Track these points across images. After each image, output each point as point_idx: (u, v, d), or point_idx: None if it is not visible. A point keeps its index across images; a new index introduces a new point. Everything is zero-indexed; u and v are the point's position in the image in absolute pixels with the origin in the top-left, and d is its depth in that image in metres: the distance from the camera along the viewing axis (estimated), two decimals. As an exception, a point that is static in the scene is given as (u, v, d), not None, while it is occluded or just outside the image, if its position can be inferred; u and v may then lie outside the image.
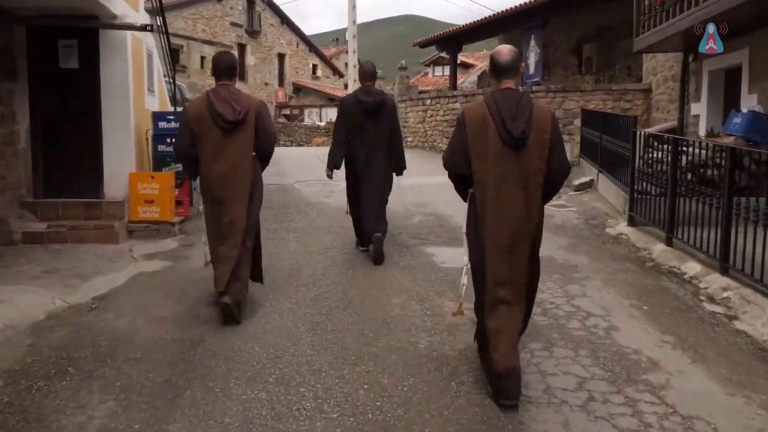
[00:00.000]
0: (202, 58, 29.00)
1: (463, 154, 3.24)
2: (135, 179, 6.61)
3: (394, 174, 5.95)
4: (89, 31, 6.54)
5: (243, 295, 4.14)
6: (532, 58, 16.52)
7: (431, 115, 15.32)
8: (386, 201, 5.88)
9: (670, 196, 6.09)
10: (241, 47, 32.14)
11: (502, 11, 16.45)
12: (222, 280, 3.98)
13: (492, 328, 3.15)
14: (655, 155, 7.35)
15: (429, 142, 15.35)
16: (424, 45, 22.23)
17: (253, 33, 32.78)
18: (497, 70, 3.30)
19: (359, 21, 21.96)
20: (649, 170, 7.27)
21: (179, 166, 7.19)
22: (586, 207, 8.40)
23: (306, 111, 33.04)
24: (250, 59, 32.62)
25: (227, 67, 4.27)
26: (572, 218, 7.81)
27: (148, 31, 6.51)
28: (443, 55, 38.54)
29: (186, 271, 5.27)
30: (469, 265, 3.42)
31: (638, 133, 7.33)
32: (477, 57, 37.97)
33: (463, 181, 3.36)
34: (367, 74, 5.77)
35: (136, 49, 7.02)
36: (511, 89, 3.25)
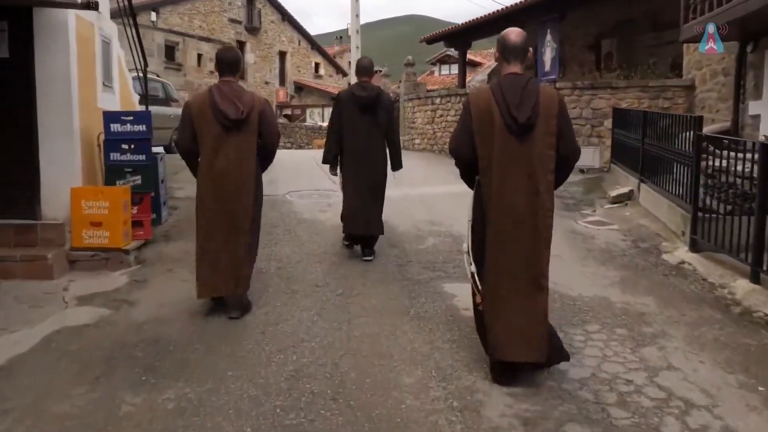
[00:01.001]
0: (199, 55, 27.68)
1: (468, 140, 3.17)
2: (78, 195, 5.28)
3: (389, 170, 5.73)
4: (21, 11, 5.22)
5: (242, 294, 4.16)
6: (548, 54, 15.17)
7: (441, 115, 13.96)
8: (382, 199, 5.65)
9: (758, 217, 4.72)
10: (241, 44, 30.77)
11: (515, 4, 15.04)
12: (217, 283, 4.03)
13: (493, 317, 3.14)
14: (716, 163, 6.01)
15: (438, 145, 13.98)
16: (431, 41, 20.87)
17: (253, 30, 31.45)
18: (505, 50, 3.21)
19: (363, 21, 20.64)
20: (714, 182, 5.93)
21: (138, 179, 5.87)
22: (630, 225, 7.03)
23: (308, 111, 31.71)
24: (249, 57, 31.25)
25: (231, 63, 4.19)
26: (617, 240, 6.44)
27: (92, 9, 5.18)
28: (449, 53, 37.44)
29: (124, 326, 3.91)
30: (470, 251, 3.36)
31: (703, 137, 5.98)
32: (484, 55, 36.97)
33: (469, 167, 3.28)
34: (364, 69, 5.61)
35: (84, 35, 5.69)
36: (517, 74, 3.17)
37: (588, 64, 18.41)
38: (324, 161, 5.75)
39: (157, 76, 12.94)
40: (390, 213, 7.52)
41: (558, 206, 8.35)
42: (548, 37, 14.93)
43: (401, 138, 16.67)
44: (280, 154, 13.88)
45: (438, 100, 14.14)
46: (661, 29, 14.03)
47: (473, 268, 3.30)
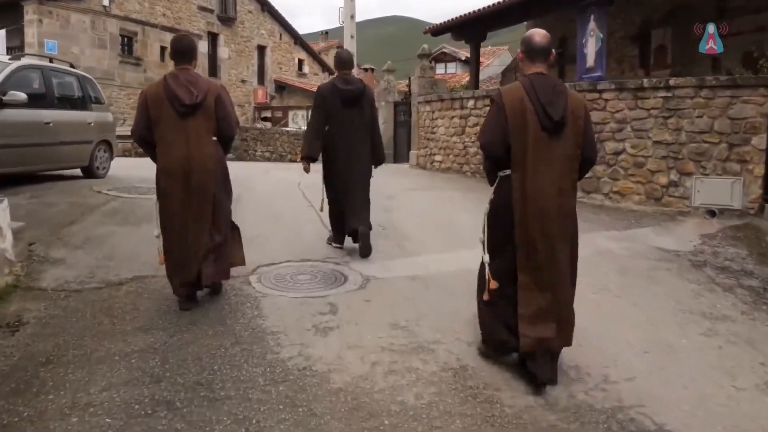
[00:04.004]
0: (163, 48, 23.44)
1: (502, 135, 3.12)
2: None
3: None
4: None
5: (220, 275, 4.12)
6: (592, 45, 11.40)
7: (475, 124, 10.11)
8: (368, 194, 5.43)
9: None
10: (213, 37, 26.67)
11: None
12: (186, 269, 3.88)
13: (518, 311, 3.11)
14: None
15: (471, 165, 10.15)
16: (437, 32, 16.99)
17: (228, 20, 27.31)
18: (530, 51, 3.22)
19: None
20: None
21: None
22: None
23: (290, 113, 27.69)
24: (223, 51, 27.10)
25: (185, 51, 4.10)
26: None
27: None
28: (445, 50, 33.93)
29: None
30: (485, 241, 3.27)
31: None
32: (483, 53, 33.55)
33: (498, 164, 3.23)
34: (344, 62, 5.36)
35: None
36: (543, 74, 3.19)
37: (629, 59, 14.91)
38: (307, 157, 5.29)
39: (71, 65, 8.89)
40: (454, 317, 3.53)
41: (743, 300, 4.15)
42: (591, 25, 11.19)
43: (414, 152, 12.86)
44: (250, 175, 9.54)
45: (471, 103, 10.29)
46: (731, 17, 10.62)
47: (486, 258, 3.25)
